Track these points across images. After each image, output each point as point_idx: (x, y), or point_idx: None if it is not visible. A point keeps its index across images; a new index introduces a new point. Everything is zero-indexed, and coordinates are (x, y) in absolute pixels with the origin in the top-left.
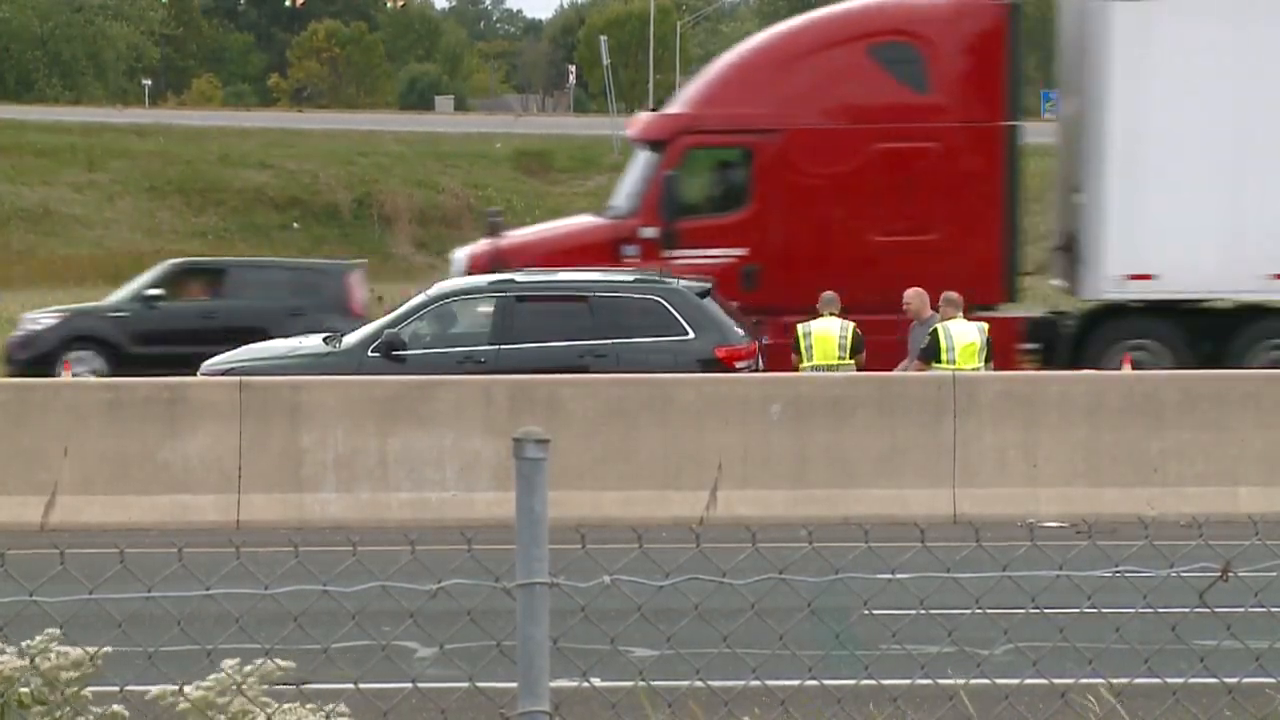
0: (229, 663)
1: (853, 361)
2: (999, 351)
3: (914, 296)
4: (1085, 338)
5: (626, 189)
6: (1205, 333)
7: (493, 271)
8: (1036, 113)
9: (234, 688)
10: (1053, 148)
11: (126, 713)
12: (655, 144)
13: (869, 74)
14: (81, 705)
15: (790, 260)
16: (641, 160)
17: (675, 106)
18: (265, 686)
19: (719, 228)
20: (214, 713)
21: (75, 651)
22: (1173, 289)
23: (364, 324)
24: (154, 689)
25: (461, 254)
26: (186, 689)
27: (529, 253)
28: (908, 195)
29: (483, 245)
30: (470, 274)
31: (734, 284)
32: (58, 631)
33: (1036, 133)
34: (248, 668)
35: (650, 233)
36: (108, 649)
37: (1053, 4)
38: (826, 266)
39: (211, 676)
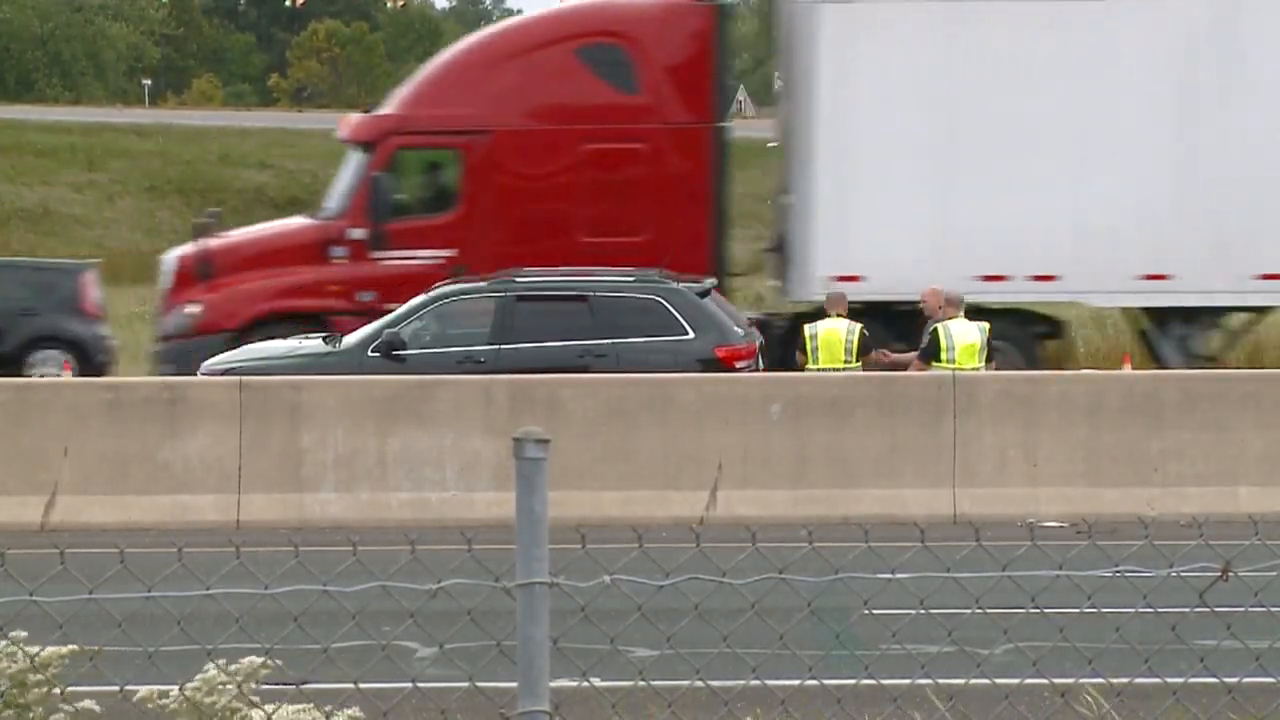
0: (216, 663)
1: (859, 364)
2: None
3: (930, 295)
4: (795, 339)
5: (337, 190)
6: (918, 334)
7: (200, 274)
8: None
9: (221, 687)
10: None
11: (98, 708)
12: (366, 145)
13: (577, 75)
14: (53, 705)
15: (499, 261)
16: (353, 161)
17: (386, 107)
18: (253, 685)
19: (428, 229)
20: (201, 712)
21: (45, 652)
22: (881, 290)
23: (98, 325)
24: (141, 690)
25: (171, 257)
26: (173, 691)
27: (237, 254)
28: (616, 196)
29: (191, 247)
30: (177, 277)
31: None
32: (22, 634)
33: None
34: (233, 667)
35: (358, 234)
36: (73, 647)
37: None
38: (535, 267)
39: (199, 676)
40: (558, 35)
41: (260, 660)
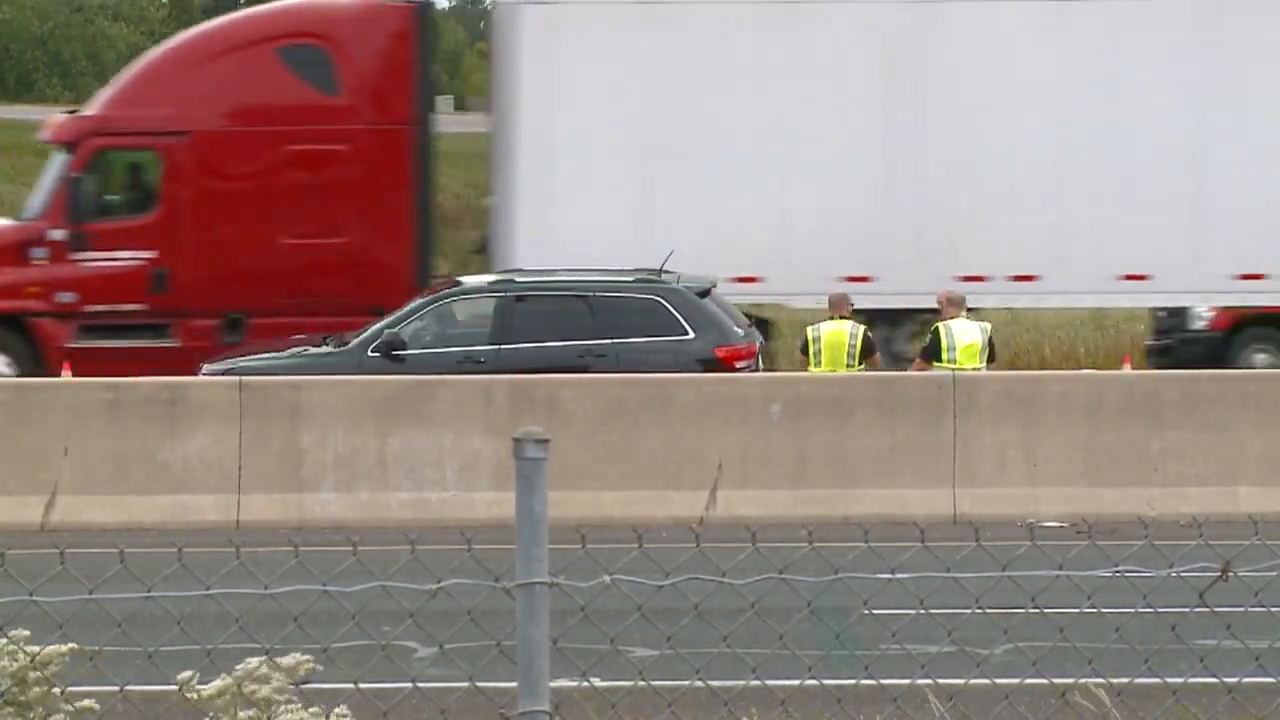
0: (254, 660)
1: (862, 366)
2: None
3: (944, 296)
4: None
5: (38, 191)
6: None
7: None
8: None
9: (260, 678)
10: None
11: (97, 706)
12: (67, 146)
13: (278, 76)
14: (54, 704)
15: (200, 263)
16: (56, 162)
17: (88, 108)
18: (291, 683)
19: (128, 230)
20: (240, 701)
21: (45, 650)
22: None
23: None
24: (181, 675)
25: None
26: (214, 683)
27: None
28: (317, 198)
29: None
30: None
31: (143, 287)
32: (25, 632)
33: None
34: (280, 659)
35: (58, 235)
36: (73, 645)
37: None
38: (236, 269)
39: (239, 667)
40: (258, 36)
41: (305, 657)
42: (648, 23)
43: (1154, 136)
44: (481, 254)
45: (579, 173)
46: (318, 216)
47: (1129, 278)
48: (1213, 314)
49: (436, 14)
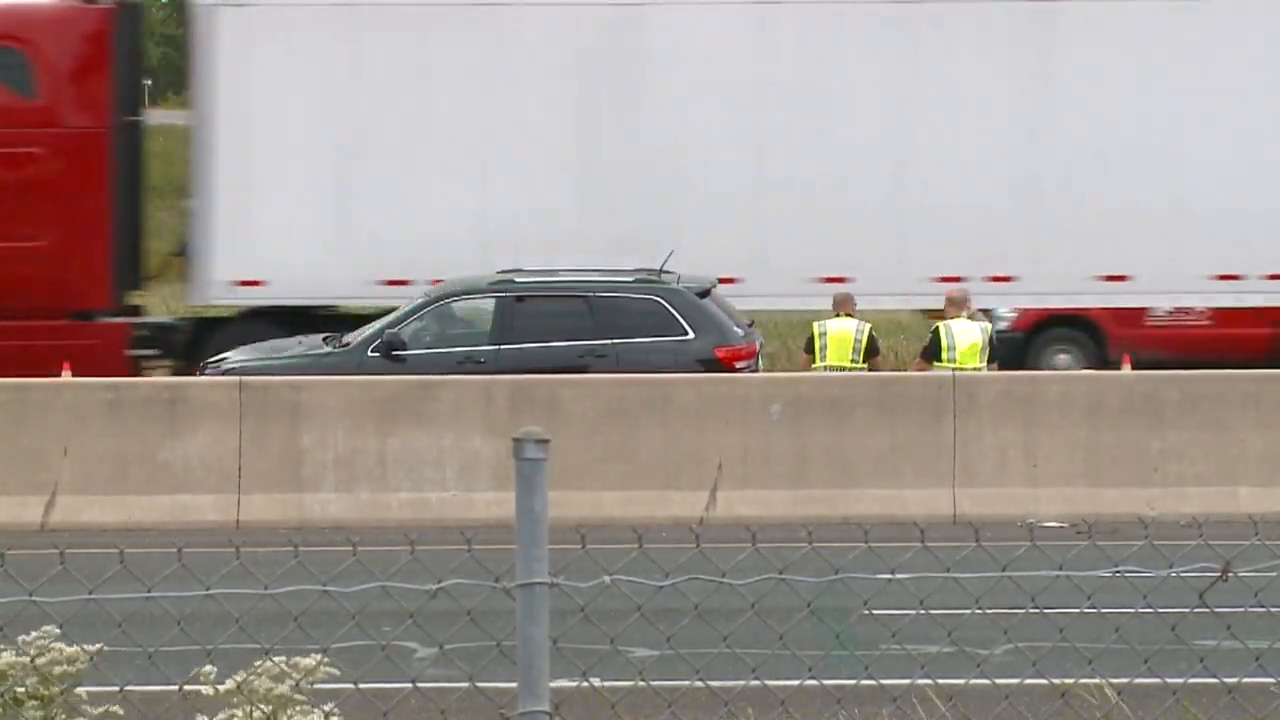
0: (277, 659)
1: (865, 365)
2: (107, 359)
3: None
4: (198, 344)
5: None
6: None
7: None
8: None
9: (277, 677)
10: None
11: (121, 711)
12: None
13: None
14: (76, 703)
15: None
16: None
17: None
18: (309, 683)
19: None
20: (255, 698)
21: (70, 649)
22: (283, 295)
23: None
24: (198, 670)
25: None
26: (231, 681)
27: None
28: (15, 201)
29: None
30: None
31: None
32: (55, 629)
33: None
34: (298, 659)
35: None
36: (101, 645)
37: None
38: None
39: (258, 664)
40: None
41: (320, 659)
42: (346, 25)
43: (854, 138)
44: (181, 257)
45: (277, 175)
46: (15, 220)
47: (830, 280)
48: (1015, 315)
49: (141, 14)
